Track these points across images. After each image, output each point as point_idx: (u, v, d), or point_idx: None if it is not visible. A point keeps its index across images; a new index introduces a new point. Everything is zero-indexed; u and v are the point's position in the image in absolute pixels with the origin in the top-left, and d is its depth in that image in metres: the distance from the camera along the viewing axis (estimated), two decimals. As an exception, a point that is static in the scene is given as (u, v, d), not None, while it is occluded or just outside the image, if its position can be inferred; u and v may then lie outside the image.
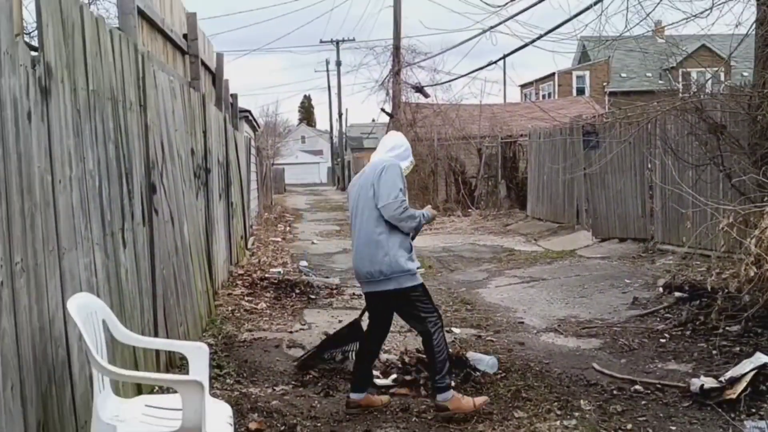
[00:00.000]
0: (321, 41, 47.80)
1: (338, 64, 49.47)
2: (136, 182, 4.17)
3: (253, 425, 3.92)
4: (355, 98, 47.22)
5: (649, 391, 4.56)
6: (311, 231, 16.61)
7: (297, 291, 8.16)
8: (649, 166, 10.64)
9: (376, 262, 4.17)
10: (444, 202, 19.97)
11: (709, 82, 9.52)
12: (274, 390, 4.69)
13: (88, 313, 2.82)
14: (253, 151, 17.75)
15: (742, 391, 4.16)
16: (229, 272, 8.75)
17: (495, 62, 19.00)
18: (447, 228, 16.69)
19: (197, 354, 3.20)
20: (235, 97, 12.39)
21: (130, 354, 3.75)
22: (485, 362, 5.03)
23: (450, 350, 5.01)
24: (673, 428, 3.99)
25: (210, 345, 5.19)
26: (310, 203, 30.61)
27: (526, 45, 15.72)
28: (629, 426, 4.00)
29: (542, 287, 8.62)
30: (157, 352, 4.40)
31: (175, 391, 2.78)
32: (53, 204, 2.86)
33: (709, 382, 4.35)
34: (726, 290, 5.46)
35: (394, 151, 4.40)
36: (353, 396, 4.36)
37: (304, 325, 6.62)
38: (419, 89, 22.98)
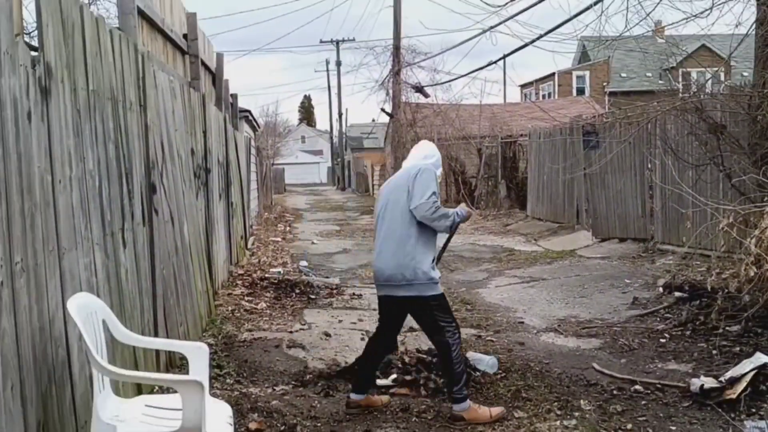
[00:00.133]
0: (321, 41, 47.85)
1: (338, 64, 49.53)
2: (136, 182, 4.17)
3: (253, 425, 3.92)
4: (355, 98, 47.28)
5: (649, 391, 4.56)
6: (311, 231, 16.61)
7: (297, 291, 8.16)
8: (649, 166, 10.64)
9: (399, 266, 4.11)
10: (444, 202, 19.94)
11: (709, 82, 9.53)
12: (274, 390, 4.69)
13: (88, 313, 2.82)
14: (253, 151, 17.75)
15: (742, 391, 4.16)
16: (229, 272, 8.75)
17: (495, 62, 18.99)
18: (447, 228, 16.65)
19: (197, 354, 3.20)
20: (235, 97, 12.39)
21: (130, 354, 3.75)
22: (485, 362, 5.02)
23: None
24: (673, 428, 3.99)
25: (210, 345, 5.19)
26: (310, 203, 30.62)
27: (526, 45, 15.71)
28: (629, 426, 4.00)
29: (542, 287, 8.62)
30: (157, 352, 4.40)
31: (175, 391, 2.78)
32: (53, 204, 2.86)
33: (709, 382, 4.35)
34: (726, 290, 5.46)
35: (428, 159, 4.35)
36: (354, 396, 4.35)
37: (304, 325, 6.62)
38: (419, 89, 22.98)
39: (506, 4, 14.64)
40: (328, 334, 6.21)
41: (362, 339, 6.14)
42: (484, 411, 4.11)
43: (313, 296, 8.00)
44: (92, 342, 2.69)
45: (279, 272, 9.33)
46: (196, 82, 7.63)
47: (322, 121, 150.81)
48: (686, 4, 26.01)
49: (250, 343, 5.78)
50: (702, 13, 7.46)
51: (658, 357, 5.42)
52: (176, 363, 4.75)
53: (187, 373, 3.32)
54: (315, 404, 4.41)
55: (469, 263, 10.97)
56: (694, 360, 5.27)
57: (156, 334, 4.40)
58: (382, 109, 24.62)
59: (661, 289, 7.51)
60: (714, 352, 5.34)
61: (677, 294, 7.01)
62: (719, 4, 7.35)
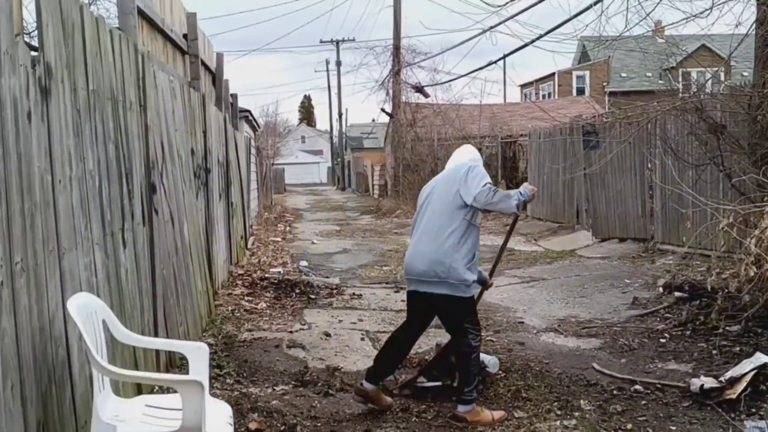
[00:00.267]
0: (321, 41, 47.89)
1: (338, 64, 49.56)
2: (136, 182, 4.17)
3: (253, 425, 3.92)
4: (355, 98, 47.33)
5: (649, 391, 4.56)
6: (311, 231, 16.61)
7: (297, 291, 8.15)
8: (649, 166, 10.64)
9: (434, 262, 4.06)
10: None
11: (709, 82, 9.52)
12: (274, 390, 4.69)
13: (88, 313, 2.82)
14: (253, 151, 17.74)
15: (742, 391, 4.16)
16: (229, 272, 8.75)
17: (495, 62, 19.05)
18: (447, 228, 16.65)
19: (197, 354, 3.20)
20: (235, 97, 12.39)
21: (130, 354, 3.75)
22: (487, 362, 5.02)
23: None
24: (673, 428, 3.99)
25: (210, 345, 5.19)
26: (310, 203, 30.62)
27: (526, 45, 15.74)
28: (629, 426, 4.00)
29: (542, 287, 8.62)
30: (157, 352, 4.40)
31: (175, 391, 2.78)
32: (53, 204, 2.86)
33: (709, 382, 4.35)
34: (726, 290, 5.46)
35: (474, 161, 4.32)
36: (366, 384, 4.25)
37: (304, 325, 6.62)
38: (419, 89, 23.01)
39: (506, 4, 14.67)
40: (328, 334, 6.21)
41: (362, 339, 6.15)
42: (486, 414, 4.11)
43: (313, 296, 7.99)
44: (92, 342, 2.69)
45: (279, 272, 9.33)
46: (196, 82, 7.63)
47: (322, 121, 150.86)
48: (686, 4, 26.03)
49: (250, 343, 5.78)
50: (702, 13, 7.46)
51: (658, 357, 5.42)
52: (176, 363, 4.75)
53: (187, 373, 3.32)
54: (315, 404, 4.41)
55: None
56: (694, 360, 5.27)
57: (156, 334, 4.39)
58: (382, 109, 24.68)
59: (661, 289, 7.51)
60: (714, 352, 5.34)
61: (677, 294, 7.01)
62: (719, 4, 7.36)
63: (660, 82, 29.90)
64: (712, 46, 26.00)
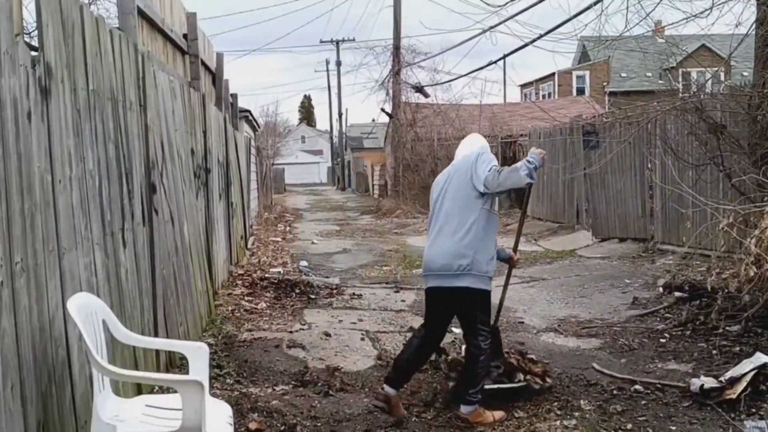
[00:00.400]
0: (321, 41, 47.88)
1: (338, 64, 49.55)
2: (136, 182, 4.17)
3: (253, 425, 3.92)
4: (355, 98, 47.32)
5: (649, 391, 4.56)
6: (311, 231, 16.61)
7: (297, 291, 8.16)
8: (649, 166, 10.64)
9: (456, 255, 4.00)
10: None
11: (709, 82, 9.52)
12: (274, 390, 4.69)
13: (88, 313, 2.82)
14: (253, 151, 17.74)
15: (742, 391, 4.16)
16: (229, 272, 8.75)
17: (495, 62, 19.03)
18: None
19: (197, 354, 3.20)
20: (235, 97, 12.39)
21: (130, 354, 3.75)
22: None
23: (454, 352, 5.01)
24: (673, 428, 3.99)
25: (210, 345, 5.19)
26: (310, 203, 30.62)
27: (526, 45, 15.74)
28: (629, 426, 4.00)
29: (542, 287, 8.62)
30: (157, 352, 4.40)
31: (175, 391, 2.78)
32: (53, 204, 2.86)
33: (709, 382, 4.35)
34: (726, 290, 5.46)
35: (483, 149, 4.28)
36: (388, 389, 4.17)
37: (304, 325, 6.62)
38: (419, 89, 23.01)
39: (506, 4, 14.64)
40: (328, 334, 6.21)
41: (362, 339, 6.15)
42: (488, 415, 4.11)
43: (313, 296, 7.99)
44: (92, 342, 2.69)
45: (279, 272, 9.33)
46: (196, 82, 7.63)
47: (322, 121, 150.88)
48: (686, 4, 26.02)
49: (250, 343, 5.78)
50: (702, 13, 7.46)
51: (658, 357, 5.42)
52: (176, 363, 4.75)
53: (187, 373, 3.32)
54: (315, 404, 4.41)
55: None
56: (694, 360, 5.27)
57: (156, 334, 4.39)
58: (382, 109, 24.68)
59: (661, 289, 7.51)
60: (714, 352, 5.34)
61: (677, 294, 7.01)
62: (719, 4, 7.35)
63: (660, 82, 29.90)
64: (712, 46, 26.00)
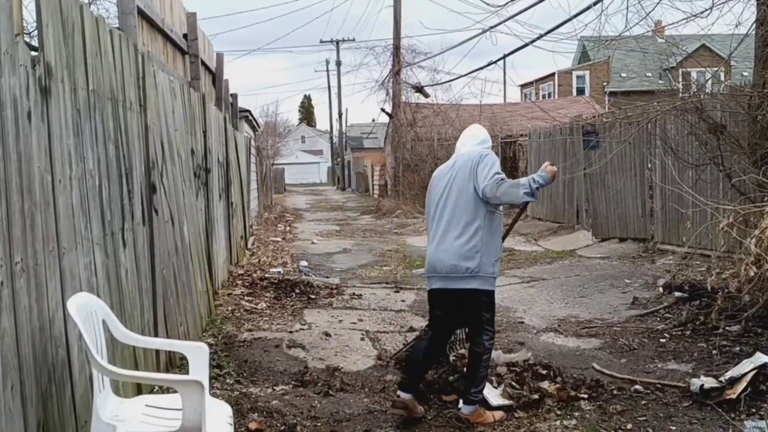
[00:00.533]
0: (321, 41, 47.87)
1: (338, 64, 49.53)
2: (136, 182, 4.17)
3: (253, 425, 3.92)
4: (355, 98, 47.30)
5: (649, 391, 4.56)
6: (311, 231, 16.61)
7: (297, 291, 8.16)
8: (649, 166, 10.64)
9: (465, 258, 3.99)
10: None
11: (709, 82, 9.53)
12: (274, 390, 4.69)
13: (88, 312, 2.82)
14: (253, 151, 17.75)
15: (742, 391, 4.16)
16: (229, 272, 8.75)
17: (495, 62, 19.03)
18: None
19: (197, 354, 3.20)
20: (235, 97, 12.39)
21: (130, 354, 3.75)
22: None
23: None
24: (673, 428, 3.99)
25: (210, 345, 5.19)
26: (310, 203, 30.62)
27: (526, 45, 15.74)
28: (629, 426, 4.00)
29: (542, 287, 8.62)
30: (157, 351, 4.40)
31: (175, 391, 2.78)
32: (53, 204, 2.86)
33: (709, 382, 4.35)
34: (726, 290, 5.46)
35: (484, 144, 4.25)
36: (402, 395, 4.18)
37: (304, 325, 6.62)
38: (419, 89, 23.02)
39: (506, 4, 14.65)
40: (328, 334, 6.21)
41: (362, 339, 6.15)
42: (488, 415, 4.11)
43: (313, 296, 7.99)
44: (92, 342, 2.69)
45: (279, 272, 9.33)
46: (196, 82, 7.63)
47: (322, 121, 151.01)
48: (686, 4, 26.05)
49: (250, 343, 5.78)
50: (702, 13, 7.46)
51: (658, 357, 5.42)
52: (176, 363, 4.75)
53: (187, 372, 3.32)
54: (315, 404, 4.41)
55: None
56: (694, 360, 5.27)
57: (156, 334, 4.40)
58: (382, 109, 24.68)
59: (661, 289, 7.51)
60: (714, 352, 5.34)
61: (677, 294, 7.02)
62: (719, 4, 7.36)
63: (660, 82, 29.91)
64: (712, 46, 26.00)
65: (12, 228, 2.48)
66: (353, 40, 45.53)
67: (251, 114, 18.41)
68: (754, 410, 4.08)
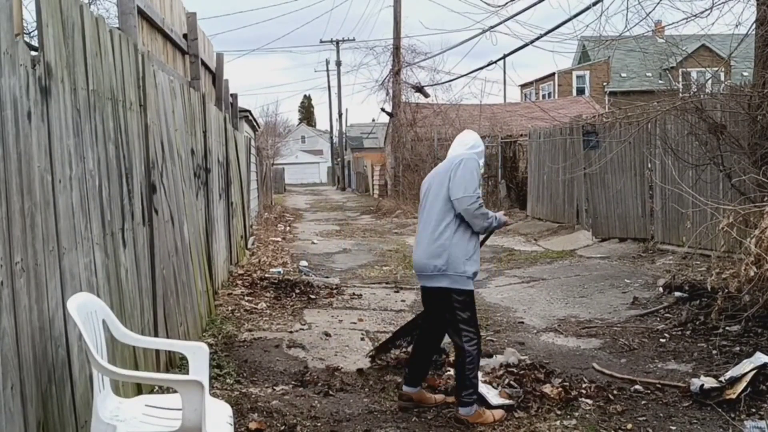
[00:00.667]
0: (321, 41, 47.89)
1: (338, 64, 49.52)
2: (136, 182, 4.17)
3: (253, 425, 3.92)
4: (355, 98, 47.30)
5: (649, 391, 4.56)
6: (311, 231, 16.61)
7: (297, 291, 8.16)
8: (649, 166, 10.64)
9: (432, 255, 4.09)
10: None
11: (709, 82, 9.53)
12: (274, 390, 4.69)
13: (87, 312, 2.82)
14: (253, 151, 17.74)
15: (742, 391, 4.16)
16: (229, 272, 8.75)
17: (495, 62, 19.04)
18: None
19: (197, 354, 3.20)
20: (235, 97, 12.39)
21: (130, 354, 3.75)
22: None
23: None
24: (673, 428, 3.99)
25: (210, 345, 5.19)
26: (310, 203, 30.62)
27: (526, 45, 15.75)
28: (629, 426, 4.00)
29: (542, 287, 8.62)
30: (157, 351, 4.40)
31: (175, 391, 2.78)
32: (53, 204, 2.86)
33: (709, 382, 4.35)
34: (726, 290, 5.46)
35: (474, 149, 4.29)
36: (406, 389, 4.33)
37: (304, 325, 6.62)
38: (419, 89, 23.03)
39: (506, 4, 14.68)
40: (328, 334, 6.21)
41: (362, 339, 6.15)
42: (488, 415, 4.11)
43: (313, 296, 7.99)
44: (92, 342, 2.69)
45: (279, 272, 9.33)
46: (196, 81, 7.63)
47: (322, 121, 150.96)
48: (686, 4, 26.07)
49: (250, 343, 5.78)
50: (702, 13, 7.46)
51: (658, 357, 5.42)
52: (176, 363, 4.75)
53: (187, 372, 3.32)
54: (315, 404, 4.41)
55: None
56: (694, 360, 5.27)
57: (156, 334, 4.39)
58: (382, 109, 24.70)
59: (661, 289, 7.51)
60: (714, 352, 5.34)
61: (677, 294, 7.02)
62: (719, 4, 7.36)
63: (660, 82, 29.92)
64: (712, 46, 26.00)
65: (12, 228, 2.48)
66: (353, 40, 45.62)
67: (251, 114, 18.41)
68: (754, 410, 4.08)
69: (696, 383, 4.38)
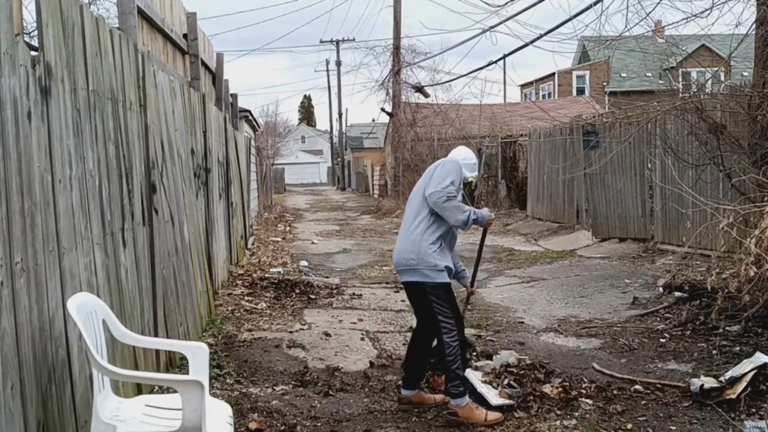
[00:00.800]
0: (321, 41, 47.90)
1: (338, 64, 49.52)
2: (136, 182, 4.17)
3: (253, 425, 3.92)
4: (355, 98, 47.31)
5: (649, 391, 4.56)
6: (311, 231, 16.61)
7: (297, 291, 8.16)
8: (649, 166, 10.64)
9: (404, 251, 4.19)
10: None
11: (709, 82, 9.53)
12: (274, 390, 4.69)
13: (87, 312, 2.82)
14: (253, 151, 17.75)
15: (742, 391, 4.16)
16: (229, 272, 8.75)
17: (495, 62, 19.03)
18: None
19: (197, 354, 3.20)
20: (235, 97, 12.40)
21: (130, 354, 3.75)
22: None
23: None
24: (673, 428, 3.99)
25: (210, 345, 5.20)
26: (310, 203, 30.63)
27: (526, 45, 15.75)
28: (629, 426, 4.00)
29: (542, 287, 8.62)
30: (157, 351, 4.40)
31: (175, 391, 2.78)
32: (53, 204, 2.86)
33: (709, 382, 4.35)
34: (726, 290, 5.46)
35: (464, 159, 4.38)
36: (405, 392, 4.38)
37: (304, 325, 6.62)
38: (419, 89, 23.03)
39: (506, 3, 14.68)
40: (328, 334, 6.21)
41: (362, 339, 6.15)
42: (480, 413, 4.10)
43: (313, 296, 8.00)
44: (92, 342, 2.69)
45: (279, 272, 9.33)
46: (196, 81, 7.63)
47: (322, 121, 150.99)
48: (686, 4, 26.07)
49: (250, 343, 5.78)
50: (702, 13, 7.47)
51: (658, 357, 5.42)
52: (176, 363, 4.75)
53: (187, 372, 3.32)
54: (315, 404, 4.41)
55: (470, 263, 10.95)
56: (694, 360, 5.27)
57: (156, 334, 4.39)
58: (382, 109, 24.70)
59: (661, 289, 7.51)
60: (714, 352, 5.34)
61: (677, 294, 7.02)
62: (719, 4, 7.36)
63: (660, 82, 29.92)
64: (712, 46, 26.00)
65: (12, 228, 2.48)
66: (353, 40, 45.63)
67: (251, 114, 18.41)
68: (754, 410, 4.08)
69: (696, 383, 4.38)
